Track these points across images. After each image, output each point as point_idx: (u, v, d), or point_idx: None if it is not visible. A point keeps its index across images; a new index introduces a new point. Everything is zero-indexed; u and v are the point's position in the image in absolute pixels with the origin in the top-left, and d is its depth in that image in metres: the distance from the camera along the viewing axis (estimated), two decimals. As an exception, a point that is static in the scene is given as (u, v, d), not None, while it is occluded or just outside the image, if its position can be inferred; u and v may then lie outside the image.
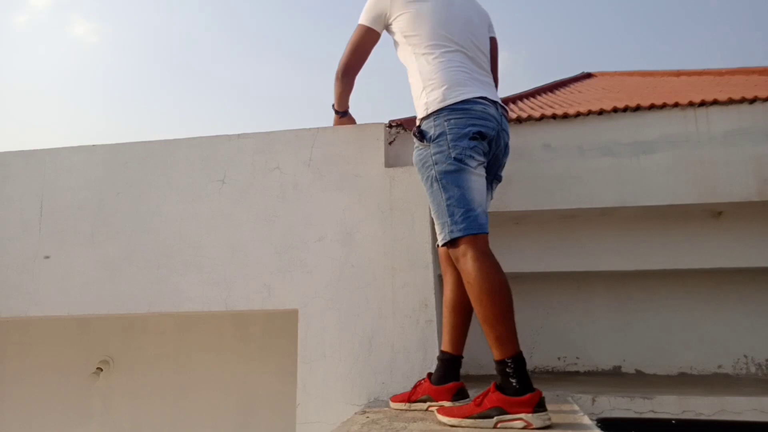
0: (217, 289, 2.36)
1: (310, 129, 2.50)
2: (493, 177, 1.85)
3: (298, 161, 2.45)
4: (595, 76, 5.36)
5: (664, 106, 2.40)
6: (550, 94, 4.10)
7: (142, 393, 3.08)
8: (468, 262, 1.61)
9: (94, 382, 3.06)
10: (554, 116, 2.47)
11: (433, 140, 1.69)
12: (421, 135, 1.73)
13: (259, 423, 2.94)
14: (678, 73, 4.56)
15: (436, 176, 1.67)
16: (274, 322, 2.98)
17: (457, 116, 1.67)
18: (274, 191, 2.43)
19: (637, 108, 2.41)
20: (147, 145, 2.61)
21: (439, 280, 2.67)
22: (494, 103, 1.76)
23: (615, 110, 2.43)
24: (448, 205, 1.64)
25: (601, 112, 2.44)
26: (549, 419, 1.48)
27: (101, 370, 3.07)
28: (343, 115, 2.35)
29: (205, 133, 2.60)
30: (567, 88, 4.41)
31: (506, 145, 1.83)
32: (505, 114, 1.83)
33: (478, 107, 1.69)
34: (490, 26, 2.01)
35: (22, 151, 2.71)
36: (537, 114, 2.54)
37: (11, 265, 2.55)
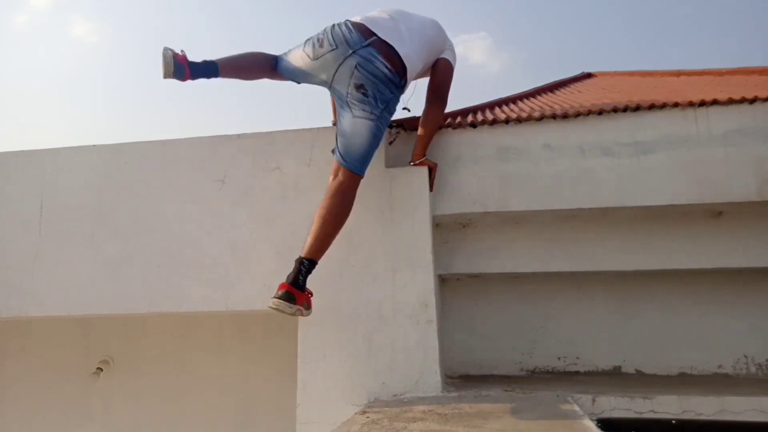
0: (217, 289, 2.36)
1: (310, 129, 2.50)
2: (346, 97, 2.12)
3: (298, 161, 2.45)
4: (595, 76, 5.35)
5: (664, 106, 2.40)
6: (550, 94, 4.10)
7: (142, 393, 3.08)
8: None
9: (94, 382, 3.07)
10: (554, 116, 2.47)
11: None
12: None
13: (259, 423, 2.94)
14: (678, 73, 4.56)
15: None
16: (274, 322, 2.98)
17: (328, 27, 2.20)
18: (274, 191, 2.43)
19: (637, 108, 2.41)
20: (147, 145, 2.61)
21: (439, 280, 2.68)
22: (367, 34, 2.13)
23: (615, 110, 2.43)
24: None
25: (601, 112, 2.43)
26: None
27: (101, 370, 3.07)
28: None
29: (205, 133, 2.61)
30: (567, 88, 4.40)
31: (356, 67, 2.08)
32: (385, 54, 2.12)
33: (342, 28, 2.15)
34: (445, 49, 2.44)
35: (22, 151, 2.71)
36: (537, 114, 2.53)
37: (11, 265, 2.55)
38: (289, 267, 2.32)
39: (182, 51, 2.14)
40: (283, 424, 2.62)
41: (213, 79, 2.21)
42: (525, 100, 3.78)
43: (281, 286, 1.96)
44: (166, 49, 2.10)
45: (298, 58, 2.25)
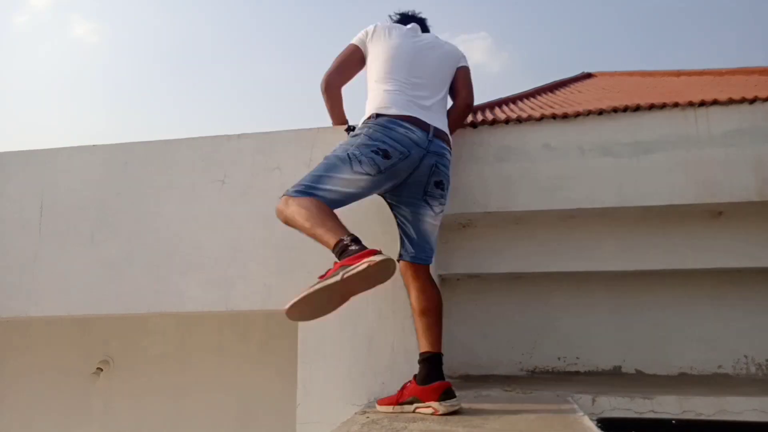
0: (218, 289, 2.36)
1: (310, 129, 2.49)
2: (423, 196, 1.94)
3: (298, 161, 2.45)
4: (595, 76, 5.36)
5: (664, 106, 2.40)
6: (550, 94, 4.10)
7: (142, 393, 3.08)
8: (281, 210, 1.82)
9: (94, 382, 3.06)
10: (554, 116, 2.47)
11: (353, 134, 1.96)
12: (349, 130, 2.17)
13: (259, 423, 2.93)
14: (678, 73, 4.56)
15: (330, 154, 1.89)
16: (274, 322, 2.98)
17: (378, 129, 1.90)
18: (274, 191, 2.42)
19: (637, 108, 2.41)
20: (147, 145, 2.61)
21: (440, 280, 2.67)
22: (425, 127, 1.93)
23: (615, 110, 2.43)
24: (309, 173, 1.85)
25: (601, 112, 2.44)
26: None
27: (101, 370, 3.07)
28: (349, 129, 2.35)
29: (205, 133, 2.60)
30: (567, 88, 4.41)
31: (436, 166, 1.93)
32: (444, 139, 1.99)
33: (401, 130, 1.89)
34: (459, 59, 2.25)
35: (22, 151, 2.71)
36: (537, 114, 2.53)
37: (11, 265, 2.55)
38: (289, 267, 2.32)
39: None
40: (283, 424, 2.62)
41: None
42: (525, 100, 3.78)
43: (441, 386, 1.75)
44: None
45: (351, 184, 1.83)
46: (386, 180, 1.89)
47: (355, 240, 1.68)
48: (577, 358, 2.76)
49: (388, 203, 2.04)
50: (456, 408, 1.73)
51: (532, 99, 3.84)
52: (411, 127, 1.91)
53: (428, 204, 1.95)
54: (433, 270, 2.26)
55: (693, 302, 2.72)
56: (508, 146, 2.47)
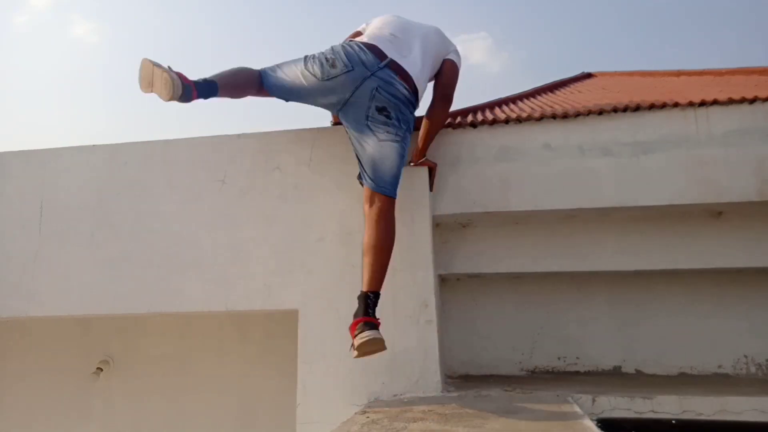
0: (217, 289, 2.36)
1: (310, 129, 2.50)
2: (366, 120, 2.07)
3: (298, 161, 2.45)
4: (595, 76, 5.35)
5: (664, 106, 2.40)
6: (550, 94, 4.10)
7: (142, 393, 3.08)
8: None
9: (94, 382, 3.06)
10: (554, 116, 2.47)
11: None
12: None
13: (259, 423, 2.93)
14: (678, 73, 4.56)
15: None
16: (274, 322, 2.98)
17: (339, 46, 2.15)
18: (274, 191, 2.43)
19: (637, 108, 2.41)
20: (147, 145, 2.61)
21: (439, 280, 2.68)
22: (381, 56, 2.11)
23: (615, 110, 2.43)
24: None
25: (601, 112, 2.44)
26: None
27: (101, 370, 3.07)
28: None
29: (205, 133, 2.60)
30: (567, 88, 4.41)
31: (377, 90, 2.06)
32: (403, 76, 2.12)
33: (356, 48, 2.12)
34: (449, 51, 2.41)
35: (22, 151, 2.71)
36: (537, 114, 2.53)
37: (11, 265, 2.55)
38: (289, 267, 2.33)
39: (169, 67, 2.00)
40: (283, 423, 2.62)
41: (210, 99, 2.10)
42: (525, 100, 3.78)
43: (356, 322, 1.84)
44: (169, 70, 1.95)
45: (298, 76, 2.13)
46: (330, 90, 2.09)
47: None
48: (577, 358, 2.76)
49: (347, 130, 2.20)
50: (366, 339, 1.76)
51: (532, 99, 3.83)
52: (366, 50, 2.11)
53: (371, 129, 2.06)
54: (434, 270, 2.26)
55: (693, 302, 2.72)
56: (508, 146, 2.47)
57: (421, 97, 2.26)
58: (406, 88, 2.11)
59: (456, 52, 2.47)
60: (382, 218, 2.00)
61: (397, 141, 2.05)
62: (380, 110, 2.05)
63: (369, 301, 1.88)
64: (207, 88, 2.05)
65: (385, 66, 2.09)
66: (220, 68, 2.36)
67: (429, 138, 2.38)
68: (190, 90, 1.99)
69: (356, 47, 2.12)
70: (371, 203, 2.04)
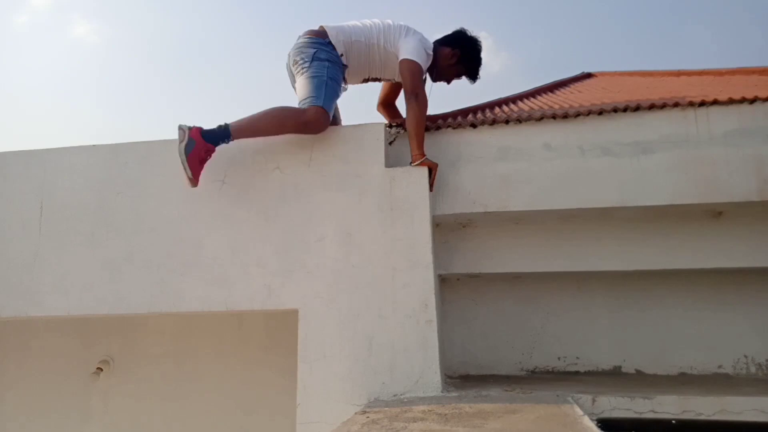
0: (218, 289, 2.36)
1: (310, 129, 2.49)
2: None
3: (298, 161, 2.45)
4: (595, 76, 5.34)
5: (664, 106, 2.40)
6: (550, 94, 4.09)
7: (142, 393, 3.08)
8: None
9: (94, 382, 3.06)
10: (554, 116, 2.47)
11: None
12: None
13: (259, 423, 2.93)
14: (678, 73, 4.55)
15: None
16: (274, 322, 2.98)
17: None
18: (274, 191, 2.43)
19: (637, 108, 2.41)
20: (147, 145, 2.61)
21: (439, 280, 2.67)
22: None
23: (615, 110, 2.43)
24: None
25: (601, 112, 2.44)
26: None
27: (101, 370, 3.07)
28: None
29: (205, 133, 2.59)
30: (567, 88, 4.39)
31: (288, 54, 2.62)
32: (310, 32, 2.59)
33: None
34: (395, 45, 2.60)
35: (22, 151, 2.71)
36: (537, 114, 2.53)
37: (11, 265, 2.55)
38: (289, 267, 2.33)
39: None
40: (283, 423, 2.62)
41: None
42: (525, 100, 3.77)
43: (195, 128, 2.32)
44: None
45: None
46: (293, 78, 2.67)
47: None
48: (577, 358, 2.76)
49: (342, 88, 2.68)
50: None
51: (532, 99, 3.83)
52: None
53: (295, 81, 2.59)
54: (434, 270, 2.26)
55: (693, 302, 2.72)
56: (508, 146, 2.47)
57: (344, 39, 2.57)
58: (305, 37, 2.57)
59: (411, 44, 2.55)
60: (294, 113, 2.40)
61: (303, 71, 2.48)
62: (293, 64, 2.56)
63: (220, 131, 2.37)
64: None
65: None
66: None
67: (415, 137, 2.41)
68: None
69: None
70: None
